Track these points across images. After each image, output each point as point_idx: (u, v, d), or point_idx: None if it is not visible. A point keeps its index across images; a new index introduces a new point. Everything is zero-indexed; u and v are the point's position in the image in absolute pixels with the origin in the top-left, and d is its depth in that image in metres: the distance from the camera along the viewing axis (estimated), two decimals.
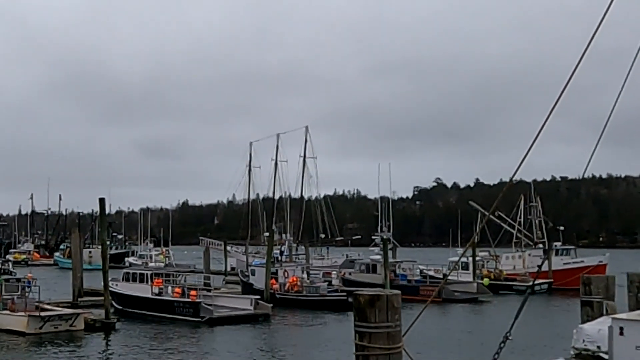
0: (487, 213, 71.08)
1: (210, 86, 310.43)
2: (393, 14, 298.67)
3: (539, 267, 14.24)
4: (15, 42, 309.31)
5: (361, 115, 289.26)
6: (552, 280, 60.64)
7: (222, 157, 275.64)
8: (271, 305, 43.44)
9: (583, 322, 15.91)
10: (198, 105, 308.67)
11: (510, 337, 8.88)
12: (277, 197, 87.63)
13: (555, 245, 66.56)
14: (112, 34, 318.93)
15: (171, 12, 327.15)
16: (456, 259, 68.30)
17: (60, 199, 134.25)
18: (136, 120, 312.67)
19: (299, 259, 72.07)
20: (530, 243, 69.84)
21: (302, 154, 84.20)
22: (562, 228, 71.87)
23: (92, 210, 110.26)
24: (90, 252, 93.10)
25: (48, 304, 39.68)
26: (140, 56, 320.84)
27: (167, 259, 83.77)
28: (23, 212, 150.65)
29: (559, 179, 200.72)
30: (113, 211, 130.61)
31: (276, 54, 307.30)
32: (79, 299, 46.30)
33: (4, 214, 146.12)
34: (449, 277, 57.50)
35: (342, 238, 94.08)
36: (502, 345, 8.86)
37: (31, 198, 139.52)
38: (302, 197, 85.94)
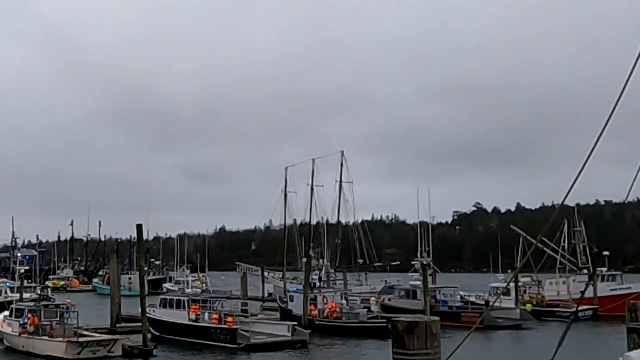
0: (529, 238, 70.05)
1: (261, 110, 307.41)
2: (450, 34, 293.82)
3: (582, 292, 13.84)
4: (66, 66, 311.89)
5: (409, 138, 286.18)
6: (597, 306, 59.06)
7: (265, 182, 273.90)
8: (309, 331, 42.95)
9: (629, 349, 15.28)
10: (247, 129, 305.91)
11: None
12: (313, 222, 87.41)
13: (601, 271, 64.94)
14: (164, 58, 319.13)
15: (225, 35, 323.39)
16: (497, 284, 67.33)
17: (100, 225, 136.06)
18: (183, 145, 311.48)
19: (336, 284, 71.46)
20: (575, 268, 68.25)
21: (338, 179, 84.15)
22: (607, 253, 70.04)
23: (130, 236, 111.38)
24: (129, 278, 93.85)
25: (86, 329, 39.81)
26: (191, 80, 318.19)
27: (204, 285, 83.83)
28: (62, 239, 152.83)
29: (603, 203, 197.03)
30: (151, 237, 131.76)
31: (329, 76, 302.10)
32: (117, 325, 46.37)
33: (44, 240, 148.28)
34: (491, 303, 56.50)
35: (380, 264, 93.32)
36: None
37: (71, 224, 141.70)
38: (338, 222, 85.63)
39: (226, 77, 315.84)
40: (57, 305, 40.64)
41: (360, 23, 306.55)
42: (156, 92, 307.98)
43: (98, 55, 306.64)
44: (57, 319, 38.33)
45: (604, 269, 66.54)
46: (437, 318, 8.43)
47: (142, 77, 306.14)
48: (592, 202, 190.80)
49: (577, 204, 77.25)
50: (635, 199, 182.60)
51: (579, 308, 56.09)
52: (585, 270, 66.97)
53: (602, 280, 63.50)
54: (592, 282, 58.56)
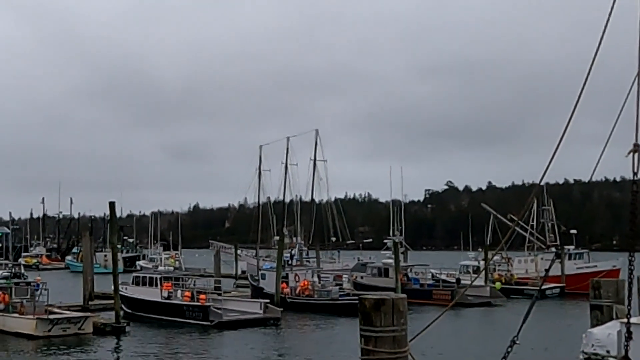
0: (499, 216, 71.02)
1: (249, 87, 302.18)
2: (444, 11, 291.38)
3: (547, 270, 14.13)
4: (48, 39, 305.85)
5: (395, 117, 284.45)
6: (564, 284, 60.19)
7: (245, 160, 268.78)
8: (281, 309, 43.27)
9: (593, 326, 15.73)
10: (233, 106, 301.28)
11: (517, 342, 8.72)
12: (287, 200, 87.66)
13: (568, 249, 66.03)
14: (150, 33, 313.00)
15: (214, 10, 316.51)
16: (468, 262, 68.27)
17: (71, 202, 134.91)
18: (166, 122, 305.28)
19: (309, 262, 71.91)
20: (543, 246, 69.33)
21: (312, 157, 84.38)
22: (574, 231, 71.26)
23: (104, 214, 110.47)
24: (105, 255, 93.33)
25: (59, 307, 39.75)
26: (178, 55, 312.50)
27: (177, 262, 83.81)
28: (35, 216, 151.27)
29: (572, 182, 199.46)
30: (124, 215, 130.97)
31: (321, 53, 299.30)
32: (90, 303, 46.33)
33: (16, 218, 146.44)
34: (462, 282, 57.37)
35: (353, 241, 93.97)
36: (509, 349, 8.70)
37: (42, 202, 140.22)
38: (312, 200, 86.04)
39: (215, 53, 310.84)
40: (28, 283, 40.60)
41: (357, 3, 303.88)
42: (141, 67, 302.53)
43: (81, 28, 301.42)
44: (28, 296, 38.23)
45: (572, 247, 67.67)
46: (404, 295, 8.67)
47: (127, 51, 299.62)
48: (561, 182, 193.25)
49: (547, 183, 78.35)
50: (603, 178, 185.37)
51: (547, 286, 57.19)
52: (553, 249, 68.10)
53: (570, 258, 64.60)
54: (556, 260, 59.49)
